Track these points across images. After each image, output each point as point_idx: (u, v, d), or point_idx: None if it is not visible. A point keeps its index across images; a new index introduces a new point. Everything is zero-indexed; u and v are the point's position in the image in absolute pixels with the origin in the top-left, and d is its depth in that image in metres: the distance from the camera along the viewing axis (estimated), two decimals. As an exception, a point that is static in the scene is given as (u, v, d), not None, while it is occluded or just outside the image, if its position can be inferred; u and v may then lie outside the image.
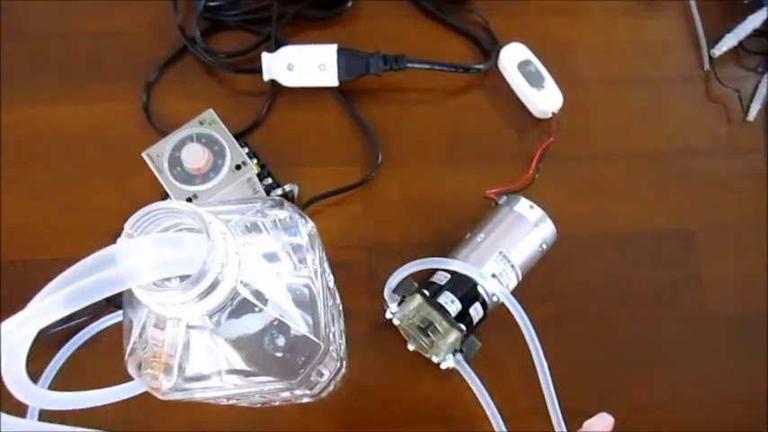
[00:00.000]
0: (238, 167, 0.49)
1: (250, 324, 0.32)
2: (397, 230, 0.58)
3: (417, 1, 0.65)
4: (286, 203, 0.34)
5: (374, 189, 0.59)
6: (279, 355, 0.32)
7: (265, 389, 0.33)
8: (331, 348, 0.35)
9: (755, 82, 0.63)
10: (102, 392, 0.33)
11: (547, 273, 0.55)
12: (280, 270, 0.35)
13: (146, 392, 0.34)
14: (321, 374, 0.38)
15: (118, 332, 0.34)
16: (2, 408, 0.29)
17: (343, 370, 0.48)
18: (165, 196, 0.51)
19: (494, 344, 0.52)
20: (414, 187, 0.59)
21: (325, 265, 0.37)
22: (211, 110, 0.51)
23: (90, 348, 0.50)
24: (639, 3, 0.66)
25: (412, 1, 0.65)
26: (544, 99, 0.60)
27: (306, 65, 0.59)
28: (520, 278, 0.52)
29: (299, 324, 0.32)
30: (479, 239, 0.52)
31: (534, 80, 0.60)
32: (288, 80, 0.60)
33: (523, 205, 0.52)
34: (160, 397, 0.32)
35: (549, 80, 0.60)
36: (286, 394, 0.38)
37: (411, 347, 0.52)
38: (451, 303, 0.49)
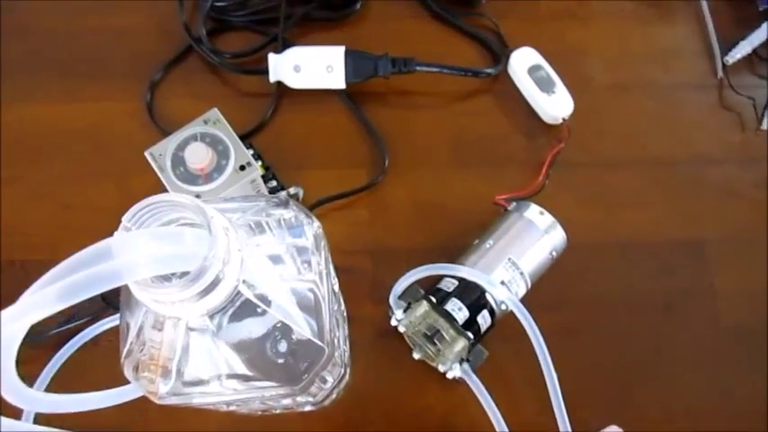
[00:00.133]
0: (243, 168, 0.48)
1: (252, 327, 0.31)
2: (404, 236, 0.57)
3: (427, 4, 0.64)
4: (291, 202, 0.33)
5: (380, 193, 0.58)
6: (281, 359, 0.31)
7: (267, 395, 0.32)
8: (335, 354, 0.34)
9: (770, 90, 0.62)
10: (96, 396, 0.32)
11: (556, 281, 0.54)
12: (283, 273, 0.34)
13: (143, 397, 0.33)
14: (324, 381, 0.37)
15: (117, 335, 0.33)
16: (2, 411, 0.28)
17: (347, 377, 0.46)
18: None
19: (500, 353, 0.51)
20: (421, 192, 0.58)
21: (331, 267, 0.36)
22: (216, 109, 0.50)
23: (88, 351, 0.49)
24: (652, 9, 0.65)
25: (421, 3, 0.65)
26: (555, 104, 0.59)
27: (313, 66, 0.58)
28: (529, 286, 0.51)
29: (303, 328, 0.31)
30: (488, 246, 0.51)
31: (545, 85, 0.59)
32: (294, 82, 0.59)
33: (533, 211, 0.51)
34: (157, 401, 0.31)
35: (559, 85, 0.59)
36: (288, 401, 0.37)
37: (416, 356, 0.50)
38: (459, 311, 0.47)
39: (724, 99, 0.62)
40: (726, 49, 0.63)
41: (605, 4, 0.65)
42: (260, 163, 0.55)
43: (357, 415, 0.51)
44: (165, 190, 0.48)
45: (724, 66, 0.62)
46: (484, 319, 0.48)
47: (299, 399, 0.36)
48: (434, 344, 0.47)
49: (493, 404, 0.48)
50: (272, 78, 0.59)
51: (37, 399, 0.29)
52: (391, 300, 0.50)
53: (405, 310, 0.49)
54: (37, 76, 0.62)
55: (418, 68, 0.59)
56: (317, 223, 0.34)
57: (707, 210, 0.58)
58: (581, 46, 0.64)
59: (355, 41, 0.60)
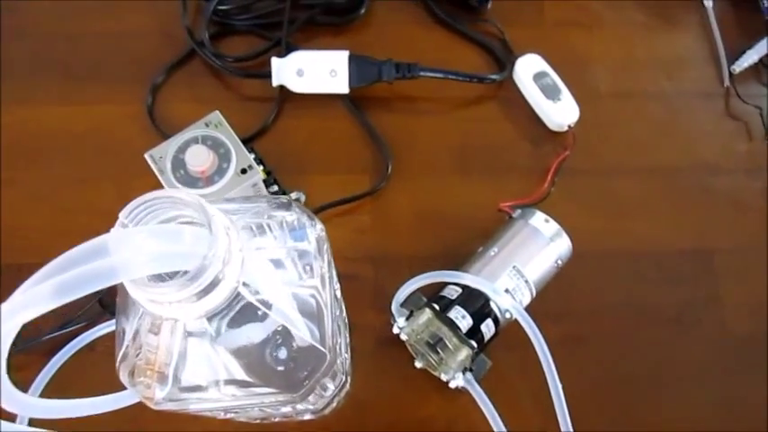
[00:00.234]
0: (244, 171, 0.47)
1: (252, 332, 0.30)
2: (406, 243, 0.56)
3: (431, 9, 0.64)
4: (294, 204, 0.32)
5: (383, 200, 0.57)
6: (282, 365, 0.30)
7: (266, 401, 0.31)
8: (337, 361, 0.33)
9: (777, 99, 0.61)
10: (91, 401, 0.31)
11: (560, 290, 0.53)
12: (284, 277, 0.33)
13: (139, 404, 0.32)
14: (325, 388, 0.36)
15: (113, 340, 0.32)
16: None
17: (347, 386, 0.45)
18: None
19: (504, 363, 0.50)
20: (424, 199, 0.58)
21: (333, 271, 0.35)
22: (218, 111, 0.49)
23: (84, 357, 0.48)
24: (658, 17, 0.65)
25: (426, 9, 0.64)
26: (560, 111, 0.58)
27: (316, 71, 0.57)
28: (534, 295, 0.50)
29: (304, 333, 0.30)
30: (492, 253, 0.50)
31: (550, 92, 0.59)
32: (297, 86, 0.58)
33: (539, 219, 0.51)
34: (153, 407, 0.30)
35: (565, 92, 0.59)
36: (287, 409, 0.36)
37: (418, 365, 0.49)
38: (462, 319, 0.46)
39: (731, 108, 0.62)
40: (732, 58, 0.62)
41: (611, 12, 0.65)
42: (262, 167, 0.54)
43: (357, 424, 0.50)
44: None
45: (731, 74, 0.62)
46: (488, 328, 0.47)
47: (298, 406, 0.35)
48: (437, 352, 0.46)
49: (496, 415, 0.47)
50: (275, 82, 0.58)
51: (30, 404, 0.28)
52: (393, 307, 0.49)
53: (407, 318, 0.49)
54: (37, 77, 0.61)
55: (422, 74, 0.59)
56: (320, 225, 0.33)
57: (714, 219, 0.57)
58: (587, 53, 0.63)
59: (359, 47, 0.59)
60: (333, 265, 0.35)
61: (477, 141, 0.60)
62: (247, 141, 0.57)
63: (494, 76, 0.60)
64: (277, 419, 0.43)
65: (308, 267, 0.33)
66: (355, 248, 0.55)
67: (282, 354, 0.31)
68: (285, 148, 0.58)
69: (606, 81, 0.62)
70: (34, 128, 0.60)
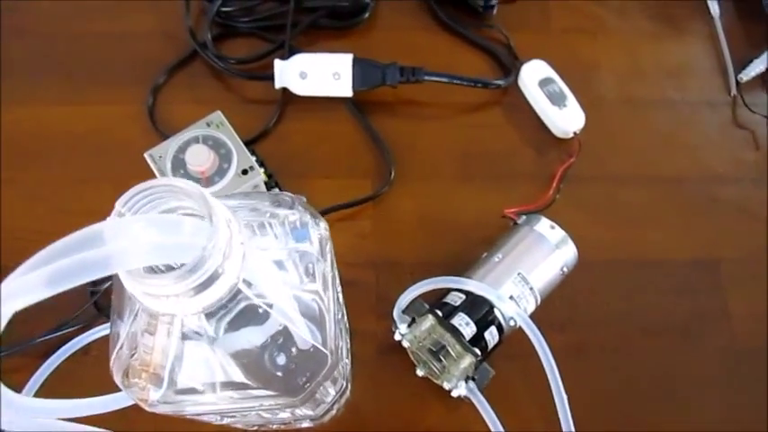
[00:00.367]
0: (245, 172, 0.47)
1: (253, 332, 0.29)
2: (408, 249, 0.55)
3: (437, 14, 0.63)
4: (297, 202, 0.31)
5: (385, 205, 0.57)
6: (282, 367, 0.29)
7: (265, 405, 0.30)
8: (339, 365, 0.32)
9: (785, 109, 0.61)
10: (88, 402, 0.30)
11: (565, 299, 0.52)
12: (286, 280, 0.32)
13: (134, 408, 0.31)
14: (326, 393, 0.35)
15: (108, 345, 0.32)
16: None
17: (348, 393, 0.44)
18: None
19: (506, 372, 0.48)
20: (427, 204, 0.57)
21: (336, 272, 0.34)
22: (219, 111, 0.48)
23: (78, 360, 0.47)
24: (665, 26, 0.64)
25: (431, 14, 0.64)
26: (566, 118, 0.58)
27: (320, 73, 0.57)
28: (539, 302, 0.49)
29: (306, 334, 0.29)
30: (497, 259, 0.49)
31: (556, 98, 0.58)
32: (300, 88, 0.58)
33: (544, 225, 0.50)
34: (147, 409, 0.29)
35: (571, 99, 0.58)
36: (286, 414, 0.35)
37: (420, 373, 0.48)
38: (466, 326, 0.45)
39: (737, 117, 0.61)
40: (739, 67, 0.62)
41: (618, 20, 0.64)
42: (263, 170, 0.53)
43: (357, 433, 0.49)
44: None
45: (738, 83, 0.61)
46: (492, 336, 0.46)
47: (297, 412, 0.34)
48: (440, 360, 0.45)
49: (499, 425, 0.46)
50: (278, 85, 0.58)
51: (21, 404, 0.27)
52: (395, 313, 0.48)
53: (409, 325, 0.47)
54: (38, 77, 0.61)
55: (427, 78, 0.58)
56: (323, 224, 0.32)
57: (720, 229, 0.57)
58: (593, 60, 0.63)
59: (363, 51, 0.59)
60: (335, 265, 0.34)
61: (482, 147, 0.59)
62: (249, 144, 0.56)
63: (499, 82, 0.59)
64: (275, 427, 0.42)
65: (309, 270, 0.32)
66: (357, 254, 0.55)
67: (283, 357, 0.30)
68: (287, 152, 0.58)
69: (612, 88, 0.61)
70: (34, 128, 0.59)
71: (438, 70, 0.59)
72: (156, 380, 0.29)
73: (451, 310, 0.47)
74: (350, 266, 0.53)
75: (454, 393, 0.46)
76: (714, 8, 0.64)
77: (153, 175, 0.48)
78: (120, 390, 0.31)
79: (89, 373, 0.40)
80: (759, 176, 0.59)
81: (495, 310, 0.47)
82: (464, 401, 0.47)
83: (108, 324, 0.44)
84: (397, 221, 0.56)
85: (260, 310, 0.29)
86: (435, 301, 0.48)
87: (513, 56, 0.62)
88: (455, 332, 0.45)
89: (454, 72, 0.59)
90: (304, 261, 0.33)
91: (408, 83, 0.58)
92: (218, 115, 0.48)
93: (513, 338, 0.47)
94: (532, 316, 0.48)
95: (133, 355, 0.29)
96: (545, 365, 0.43)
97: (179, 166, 0.46)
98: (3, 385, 0.25)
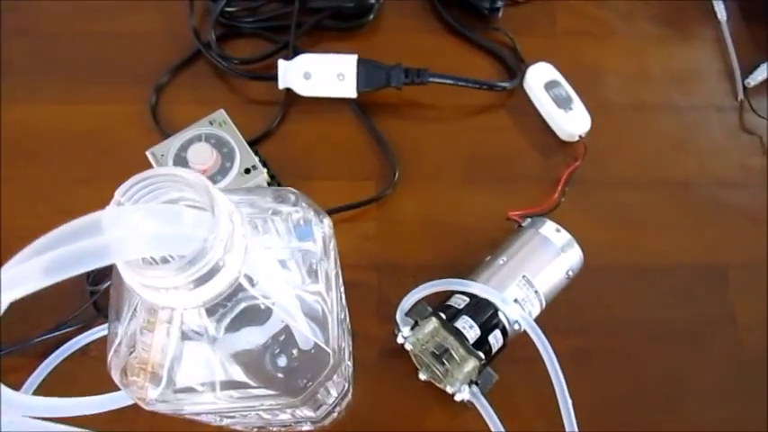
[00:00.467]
0: (248, 171, 0.46)
1: (254, 330, 0.29)
2: (412, 251, 0.55)
3: (441, 17, 0.63)
4: (300, 198, 0.31)
5: (389, 207, 0.56)
6: (284, 366, 0.28)
7: (266, 404, 0.29)
8: (341, 365, 0.32)
9: (792, 114, 0.60)
10: (87, 401, 0.30)
11: (569, 304, 0.52)
12: (288, 279, 0.31)
13: (133, 408, 0.31)
14: (328, 394, 0.34)
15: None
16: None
17: (349, 396, 0.43)
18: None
19: (510, 376, 0.48)
20: (431, 207, 0.56)
21: (339, 269, 0.33)
22: (223, 110, 0.48)
23: (76, 361, 0.47)
24: (671, 30, 0.64)
25: (436, 16, 0.63)
26: (572, 121, 0.57)
27: (324, 74, 0.56)
28: (543, 306, 0.48)
29: (308, 332, 0.28)
30: (501, 262, 0.48)
31: (562, 101, 0.58)
32: (304, 89, 0.57)
33: (550, 228, 0.49)
34: (145, 407, 0.29)
35: (577, 102, 0.58)
36: (287, 416, 0.34)
37: (422, 376, 0.48)
38: (470, 329, 0.45)
39: (744, 122, 0.60)
40: (746, 72, 0.61)
41: (624, 24, 0.64)
42: (265, 171, 0.53)
43: (358, 438, 0.48)
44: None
45: (745, 88, 0.61)
46: (496, 339, 0.46)
47: (298, 413, 0.34)
48: (443, 363, 0.45)
49: (503, 430, 0.45)
50: (282, 85, 0.57)
51: (20, 402, 0.27)
52: (398, 316, 0.48)
53: (412, 328, 0.47)
54: (39, 76, 0.60)
55: (432, 80, 0.58)
56: (327, 220, 0.32)
57: (727, 235, 0.56)
58: (599, 64, 0.62)
59: (367, 53, 0.58)
60: (339, 263, 0.33)
61: (486, 150, 0.58)
62: (251, 144, 0.56)
63: (504, 84, 0.59)
64: (275, 429, 0.41)
65: (312, 270, 0.32)
66: (359, 255, 0.54)
67: (285, 355, 0.29)
68: (290, 152, 0.57)
69: (618, 92, 0.61)
70: (35, 127, 0.58)
71: (443, 72, 0.58)
72: (155, 378, 0.28)
73: (455, 313, 0.46)
74: (352, 268, 0.52)
75: (457, 398, 0.45)
76: (721, 12, 0.63)
77: (154, 174, 0.47)
78: (119, 389, 0.30)
79: (88, 374, 0.39)
80: (766, 182, 0.58)
81: (500, 313, 0.46)
82: (467, 406, 0.46)
83: (107, 324, 0.43)
84: (401, 223, 0.56)
85: (261, 309, 0.28)
86: (439, 303, 0.48)
87: (519, 58, 0.61)
88: (459, 335, 0.44)
89: (459, 74, 0.59)
90: (307, 260, 0.32)
91: (413, 84, 0.58)
92: (221, 114, 0.48)
93: (517, 342, 0.47)
94: (537, 320, 0.47)
95: (131, 352, 0.29)
96: (550, 370, 0.42)
97: (181, 165, 0.46)
98: (1, 384, 0.24)
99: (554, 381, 0.42)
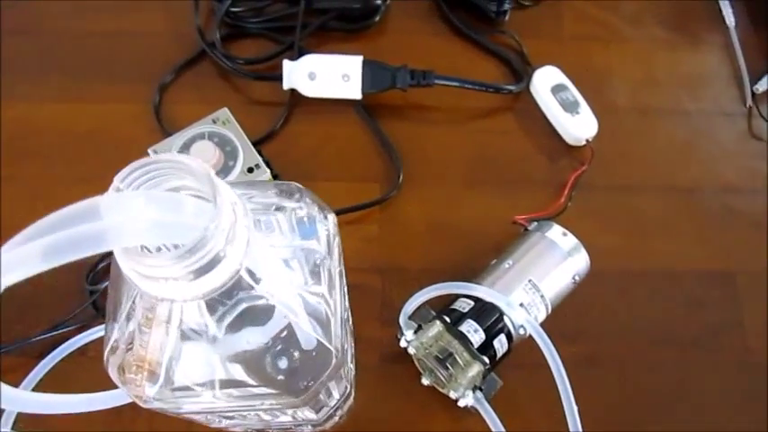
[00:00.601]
0: (251, 170, 0.46)
1: (255, 332, 0.28)
2: (416, 255, 0.54)
3: (448, 19, 0.63)
4: (304, 194, 0.30)
5: (393, 209, 0.55)
6: (286, 365, 0.27)
7: (266, 404, 0.28)
8: (343, 366, 0.31)
9: (801, 120, 0.59)
10: (83, 398, 0.29)
11: (575, 309, 0.51)
12: (291, 279, 0.31)
13: (131, 407, 0.30)
14: (330, 395, 0.34)
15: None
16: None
17: (351, 399, 0.43)
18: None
19: (514, 382, 0.47)
20: (435, 210, 0.56)
21: (343, 267, 0.33)
22: (226, 108, 0.48)
23: (75, 361, 0.46)
24: (679, 35, 0.64)
25: (442, 19, 0.63)
26: (578, 125, 0.57)
27: (329, 75, 0.56)
28: (549, 311, 0.47)
29: (310, 330, 0.28)
30: (507, 266, 0.47)
31: (568, 105, 0.57)
32: (308, 90, 0.57)
33: (556, 232, 0.48)
34: (143, 405, 0.28)
35: (583, 106, 0.57)
36: (287, 418, 0.34)
37: (425, 381, 0.47)
38: (475, 333, 0.44)
39: (753, 128, 0.60)
40: (755, 78, 0.61)
41: (632, 28, 0.64)
42: (269, 171, 0.52)
43: (359, 443, 0.48)
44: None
45: (753, 94, 0.60)
46: (501, 344, 0.45)
47: (299, 414, 0.33)
48: (447, 368, 0.44)
49: (507, 437, 0.45)
50: (286, 86, 0.57)
51: (19, 398, 0.26)
52: (401, 319, 0.47)
53: (415, 332, 0.46)
54: (40, 75, 0.60)
55: (437, 82, 0.57)
56: (331, 216, 0.31)
57: (736, 241, 0.55)
58: (606, 68, 0.62)
59: (372, 54, 0.58)
60: (342, 261, 0.33)
61: (492, 153, 0.58)
62: (255, 144, 0.55)
63: (510, 87, 0.59)
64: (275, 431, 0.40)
65: (315, 270, 0.31)
66: (362, 258, 0.53)
67: (285, 358, 0.29)
68: (293, 153, 0.57)
69: (626, 96, 0.61)
70: (36, 125, 0.58)
71: (449, 74, 0.58)
72: (152, 376, 0.28)
73: (459, 317, 0.45)
74: (355, 271, 0.51)
75: (461, 403, 0.44)
76: (729, 18, 0.63)
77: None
78: (117, 387, 0.30)
79: (86, 375, 0.39)
80: (775, 188, 0.57)
81: (505, 317, 0.45)
82: (470, 412, 0.45)
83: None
84: (405, 226, 0.55)
85: (263, 309, 0.28)
86: (443, 307, 0.47)
87: (526, 62, 0.61)
88: (463, 339, 0.44)
89: (465, 76, 0.58)
90: (310, 260, 0.31)
91: (419, 86, 0.57)
92: (224, 112, 0.47)
93: (522, 348, 0.46)
94: (542, 325, 0.46)
95: (129, 350, 0.28)
96: (555, 376, 0.42)
97: (183, 163, 0.45)
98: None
99: (560, 387, 0.41)
